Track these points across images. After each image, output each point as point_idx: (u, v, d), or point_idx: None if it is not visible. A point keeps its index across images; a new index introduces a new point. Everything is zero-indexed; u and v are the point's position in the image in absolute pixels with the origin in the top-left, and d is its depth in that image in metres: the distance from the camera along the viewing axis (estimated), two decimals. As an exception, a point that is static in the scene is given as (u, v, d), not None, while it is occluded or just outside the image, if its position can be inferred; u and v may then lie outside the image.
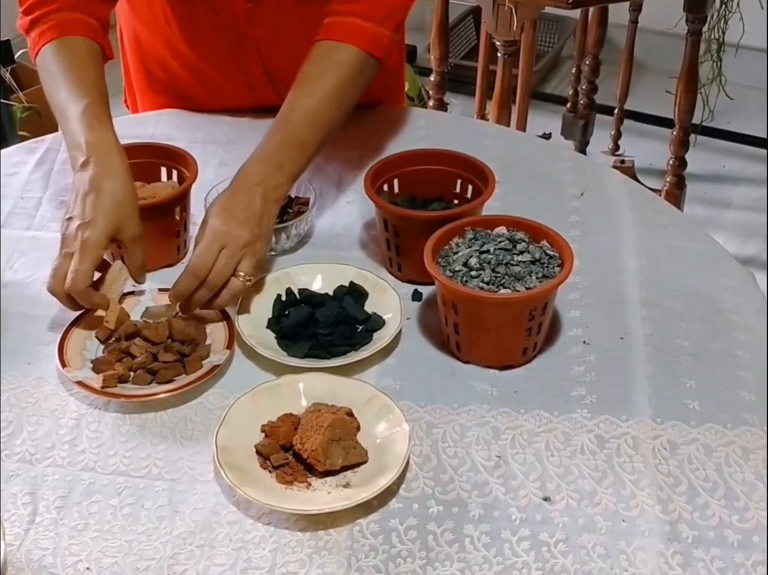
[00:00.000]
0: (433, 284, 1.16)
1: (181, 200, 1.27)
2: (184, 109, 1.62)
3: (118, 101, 1.78)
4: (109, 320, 1.14)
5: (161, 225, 1.25)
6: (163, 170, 1.33)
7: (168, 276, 1.25)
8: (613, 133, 3.06)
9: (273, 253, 1.29)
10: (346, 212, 1.38)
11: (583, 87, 3.00)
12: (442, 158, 1.31)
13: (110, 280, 1.15)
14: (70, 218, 1.13)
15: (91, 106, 1.21)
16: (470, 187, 1.28)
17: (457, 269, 1.11)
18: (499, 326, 1.09)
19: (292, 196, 1.33)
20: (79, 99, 1.22)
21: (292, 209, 1.31)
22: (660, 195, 2.55)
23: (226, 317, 1.15)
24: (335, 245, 1.32)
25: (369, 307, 1.18)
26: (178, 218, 1.27)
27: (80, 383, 1.07)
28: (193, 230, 1.33)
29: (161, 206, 1.25)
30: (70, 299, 1.12)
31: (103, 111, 1.22)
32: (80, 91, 1.23)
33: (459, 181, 1.30)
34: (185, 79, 1.57)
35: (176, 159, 1.33)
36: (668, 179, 2.67)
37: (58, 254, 1.12)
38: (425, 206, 1.29)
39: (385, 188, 1.29)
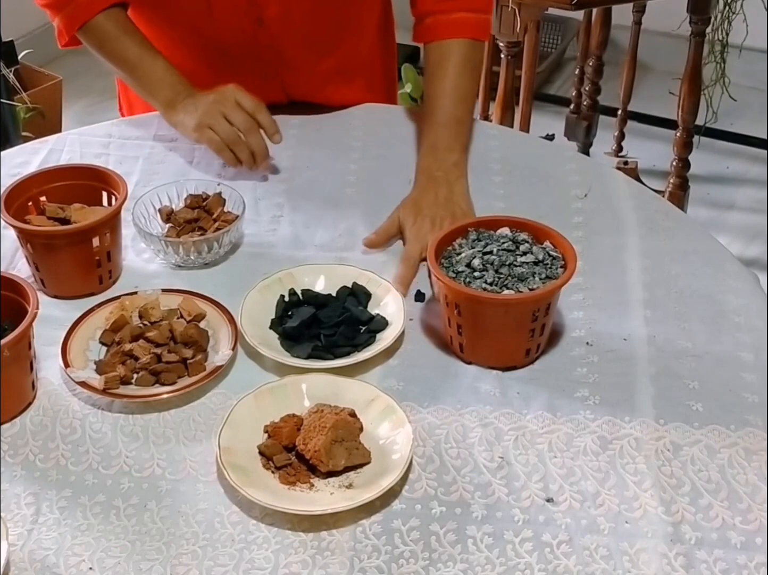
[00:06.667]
0: (436, 285, 1.16)
1: (98, 229, 1.19)
2: None
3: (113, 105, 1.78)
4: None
5: (78, 253, 1.20)
6: (104, 194, 1.28)
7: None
8: (616, 134, 3.06)
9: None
10: (348, 212, 1.38)
11: (587, 88, 3.00)
12: None
13: None
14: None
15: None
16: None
17: (460, 269, 1.11)
18: (502, 328, 1.09)
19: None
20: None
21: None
22: (663, 196, 2.55)
23: (229, 317, 1.15)
24: (338, 245, 1.32)
25: (372, 308, 1.18)
26: (97, 246, 1.20)
27: (83, 384, 1.07)
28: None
29: (77, 233, 1.19)
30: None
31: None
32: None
33: None
34: (189, 72, 1.56)
35: (111, 184, 1.26)
36: (671, 181, 2.67)
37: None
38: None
39: None
